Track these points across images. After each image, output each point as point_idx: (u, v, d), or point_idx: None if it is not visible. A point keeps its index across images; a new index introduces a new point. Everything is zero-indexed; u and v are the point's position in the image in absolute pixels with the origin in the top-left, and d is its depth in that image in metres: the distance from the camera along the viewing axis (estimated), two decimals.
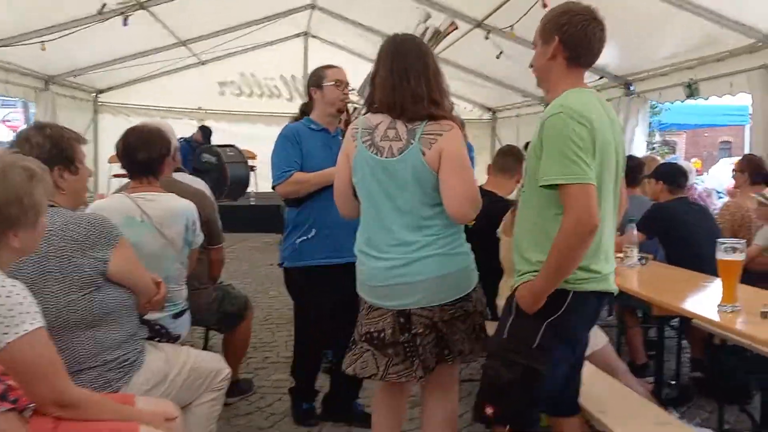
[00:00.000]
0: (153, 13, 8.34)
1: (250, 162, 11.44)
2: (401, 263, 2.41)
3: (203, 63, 12.04)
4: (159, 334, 2.60)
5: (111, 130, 10.99)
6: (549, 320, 2.20)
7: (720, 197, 10.06)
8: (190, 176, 3.92)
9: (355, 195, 2.55)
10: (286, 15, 10.57)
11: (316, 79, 3.38)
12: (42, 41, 7.64)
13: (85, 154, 2.44)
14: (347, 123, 3.46)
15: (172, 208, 2.95)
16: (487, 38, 8.03)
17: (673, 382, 3.97)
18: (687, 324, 3.56)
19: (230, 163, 10.66)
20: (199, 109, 12.44)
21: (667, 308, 3.15)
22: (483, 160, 6.77)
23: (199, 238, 3.13)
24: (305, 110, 3.49)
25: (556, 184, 2.08)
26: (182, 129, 10.40)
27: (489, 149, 12.01)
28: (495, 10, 7.56)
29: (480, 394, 2.37)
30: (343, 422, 3.51)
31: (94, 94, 11.82)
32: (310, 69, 12.64)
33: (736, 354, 3.51)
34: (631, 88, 8.03)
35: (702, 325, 2.88)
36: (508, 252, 3.28)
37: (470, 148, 3.87)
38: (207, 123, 11.84)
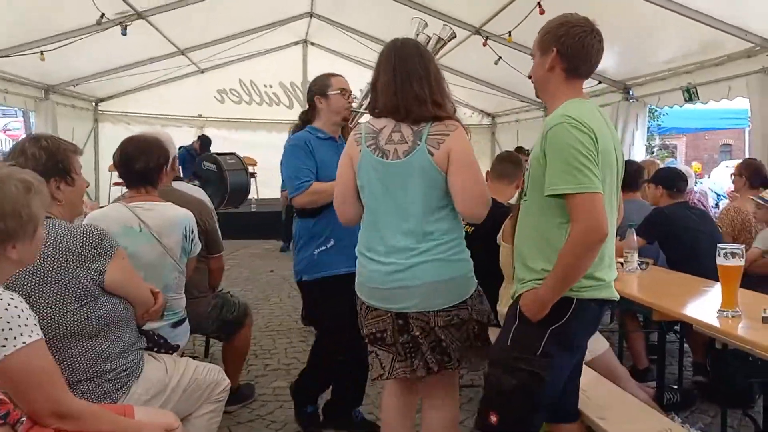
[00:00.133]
0: (151, 22, 8.37)
1: (251, 169, 11.46)
2: (401, 268, 2.42)
3: (202, 71, 12.09)
4: (158, 344, 2.59)
5: (111, 139, 11.00)
6: (553, 328, 2.20)
7: (720, 199, 10.08)
8: (189, 185, 3.92)
9: (358, 199, 2.56)
10: (284, 23, 10.61)
11: (320, 88, 3.34)
12: (41, 51, 7.67)
13: (81, 165, 2.44)
14: (345, 130, 3.46)
15: (170, 217, 2.95)
16: (485, 45, 8.05)
17: (675, 387, 3.95)
18: (688, 328, 3.55)
19: (230, 171, 10.67)
20: (199, 116, 12.48)
21: (668, 314, 3.14)
22: (483, 165, 6.76)
23: (197, 246, 3.13)
24: (307, 119, 3.44)
25: (563, 194, 2.08)
26: (182, 137, 10.44)
27: (489, 154, 12.04)
28: (493, 17, 7.59)
29: (483, 401, 2.38)
30: (344, 430, 3.49)
31: (94, 103, 11.85)
32: (310, 76, 12.66)
33: (738, 358, 3.50)
34: (630, 92, 8.04)
35: (703, 330, 2.87)
36: (507, 258, 3.28)
37: None
38: (207, 131, 11.88)
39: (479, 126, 12.95)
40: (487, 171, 4.24)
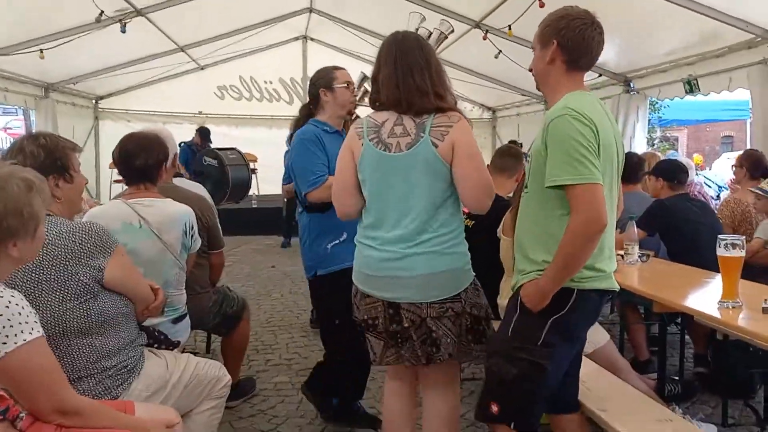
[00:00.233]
0: (151, 19, 8.38)
1: (251, 165, 11.47)
2: (397, 257, 2.43)
3: (202, 68, 12.10)
4: (158, 340, 2.59)
5: (112, 136, 10.99)
6: (553, 318, 2.22)
7: (721, 190, 10.08)
8: (190, 181, 3.93)
9: (358, 193, 2.56)
10: (283, 19, 10.61)
11: (326, 81, 3.30)
12: (41, 49, 7.67)
13: (80, 163, 2.44)
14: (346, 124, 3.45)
15: (170, 214, 2.96)
16: (485, 38, 8.03)
17: (677, 378, 3.95)
18: (689, 320, 3.55)
19: (231, 166, 10.68)
20: (200, 113, 12.50)
21: (669, 305, 3.13)
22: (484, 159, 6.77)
23: (197, 242, 3.13)
24: (309, 112, 3.39)
25: (563, 185, 2.09)
26: (183, 134, 10.43)
27: (490, 148, 12.03)
28: (492, 11, 7.58)
29: (484, 391, 2.39)
30: (345, 423, 3.50)
31: (94, 101, 11.87)
32: (310, 72, 12.65)
33: (739, 349, 3.51)
34: (631, 85, 8.02)
35: (704, 321, 2.87)
36: (507, 251, 3.28)
37: None
38: (207, 127, 11.87)
39: (480, 120, 12.94)
40: (488, 165, 4.24)
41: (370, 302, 2.54)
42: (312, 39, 12.61)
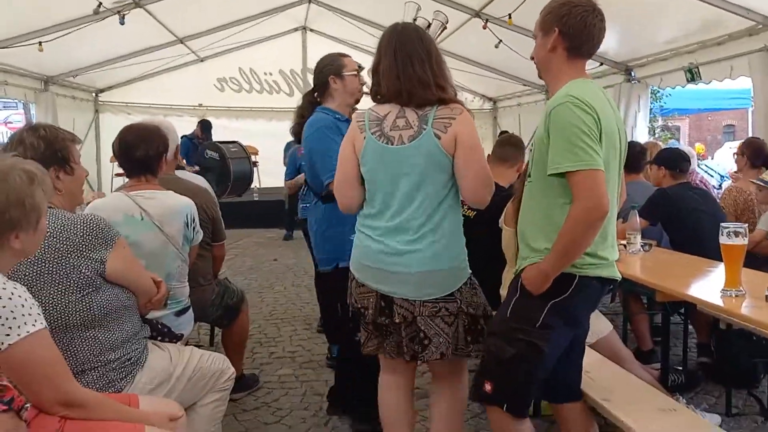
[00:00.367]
0: (149, 11, 8.34)
1: (253, 158, 11.45)
2: (394, 251, 2.43)
3: (202, 60, 12.05)
4: (161, 333, 2.59)
5: (112, 129, 10.90)
6: (554, 301, 2.23)
7: (723, 179, 10.05)
8: (192, 174, 3.92)
9: (361, 185, 2.56)
10: (283, 9, 10.55)
11: (335, 68, 3.25)
12: (39, 42, 7.64)
13: (80, 154, 2.43)
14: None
15: (172, 206, 2.95)
16: (485, 28, 7.99)
17: (680, 368, 3.95)
18: (692, 309, 3.55)
19: (233, 159, 10.66)
20: (200, 105, 12.45)
21: (671, 294, 3.13)
22: (485, 150, 6.75)
23: (199, 234, 3.13)
24: (315, 100, 3.32)
25: (565, 172, 2.09)
26: (183, 126, 10.41)
27: (491, 139, 11.99)
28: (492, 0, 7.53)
29: (480, 370, 2.39)
30: (348, 416, 3.50)
31: (94, 94, 11.83)
32: (309, 63, 12.60)
33: (742, 338, 3.50)
34: (632, 74, 7.99)
35: (707, 310, 2.87)
36: (509, 242, 3.27)
37: None
38: (207, 119, 11.84)
39: (481, 110, 12.90)
40: (488, 154, 4.23)
41: (364, 291, 2.55)
42: (311, 30, 12.55)
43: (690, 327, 4.32)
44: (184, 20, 9.50)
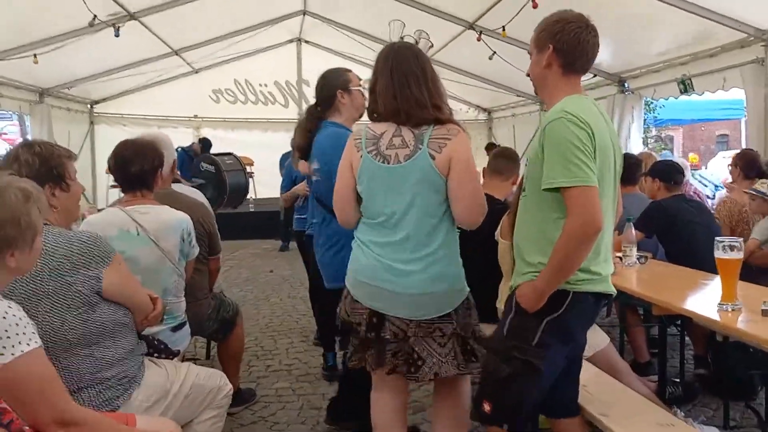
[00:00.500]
0: (144, 23, 8.35)
1: (248, 169, 11.45)
2: (391, 270, 2.43)
3: (197, 71, 12.06)
4: (158, 349, 2.58)
5: (107, 141, 10.94)
6: (548, 319, 2.23)
7: (717, 189, 10.10)
8: (189, 188, 3.91)
9: (358, 202, 2.57)
10: (278, 21, 10.59)
11: (342, 82, 3.24)
12: (34, 54, 7.64)
13: (76, 170, 2.43)
14: None
15: (167, 221, 2.95)
16: (479, 40, 8.03)
17: (677, 380, 3.95)
18: (688, 321, 3.55)
19: (228, 172, 10.67)
20: (195, 117, 12.47)
21: (668, 308, 3.13)
22: (481, 161, 6.77)
23: (195, 249, 3.12)
24: (320, 114, 3.28)
25: (559, 188, 2.11)
26: (179, 138, 10.42)
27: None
28: (486, 12, 7.58)
29: (479, 390, 2.40)
30: (348, 428, 3.46)
31: (89, 105, 11.83)
32: (304, 74, 12.59)
33: (739, 350, 3.50)
34: (626, 85, 8.03)
35: (704, 323, 2.88)
36: (505, 255, 3.27)
37: None
38: (203, 131, 11.90)
39: (476, 121, 12.96)
40: (484, 168, 4.23)
41: (357, 307, 2.55)
42: (306, 41, 12.59)
43: (687, 338, 4.32)
44: (179, 32, 9.51)
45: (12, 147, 2.44)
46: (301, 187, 5.01)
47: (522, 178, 2.56)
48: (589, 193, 2.08)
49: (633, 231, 3.96)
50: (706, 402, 3.85)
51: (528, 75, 2.42)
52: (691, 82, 6.62)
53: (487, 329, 2.74)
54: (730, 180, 5.80)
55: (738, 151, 5.79)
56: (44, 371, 1.80)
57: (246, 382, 4.20)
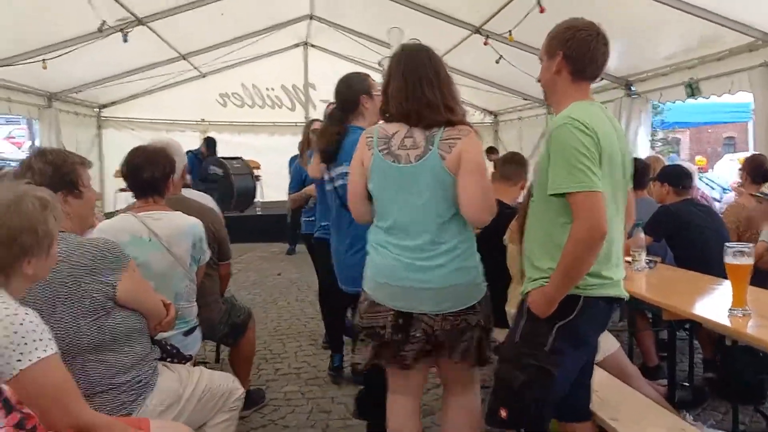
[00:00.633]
0: (152, 28, 8.39)
1: (255, 172, 11.48)
2: (412, 268, 2.44)
3: (204, 75, 12.10)
4: (171, 354, 2.61)
5: (115, 145, 11.09)
6: (560, 324, 2.24)
7: (725, 192, 10.08)
8: (199, 193, 3.93)
9: (369, 199, 2.59)
10: (284, 26, 10.63)
11: (366, 87, 3.26)
12: (43, 59, 7.70)
13: (90, 177, 2.45)
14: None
15: (179, 226, 2.97)
16: (486, 44, 8.05)
17: (687, 384, 3.95)
18: (697, 325, 3.55)
19: (237, 176, 10.71)
20: (202, 121, 12.50)
21: (678, 313, 3.13)
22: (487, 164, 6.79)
23: (206, 254, 3.14)
24: (344, 119, 3.26)
25: (565, 193, 2.12)
26: (186, 141, 10.40)
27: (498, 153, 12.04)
28: (493, 16, 7.59)
29: (493, 397, 2.40)
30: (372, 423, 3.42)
31: (97, 110, 11.88)
32: (311, 78, 12.61)
33: (748, 353, 3.50)
34: (632, 88, 8.02)
35: (714, 328, 2.88)
36: (514, 259, 3.29)
37: None
38: (210, 134, 11.90)
39: (482, 124, 12.96)
40: (492, 173, 4.24)
41: (380, 310, 2.53)
42: (313, 45, 12.63)
43: (695, 342, 4.32)
44: (186, 37, 9.56)
45: (24, 153, 2.47)
46: (312, 189, 5.01)
47: (531, 183, 2.57)
48: (594, 198, 2.09)
49: (642, 235, 3.96)
50: (715, 406, 3.85)
51: (538, 80, 2.44)
52: (698, 85, 6.61)
53: (497, 334, 2.75)
54: (739, 182, 5.79)
55: (745, 154, 5.77)
56: (60, 377, 1.83)
57: (255, 385, 4.22)
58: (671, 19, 5.98)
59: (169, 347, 2.61)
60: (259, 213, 11.62)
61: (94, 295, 2.18)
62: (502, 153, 9.50)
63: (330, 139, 3.24)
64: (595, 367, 2.75)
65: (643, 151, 7.93)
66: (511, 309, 3.25)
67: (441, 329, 2.45)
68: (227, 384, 2.62)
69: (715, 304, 3.04)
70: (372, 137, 2.54)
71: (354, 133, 3.18)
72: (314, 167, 3.89)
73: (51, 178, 2.29)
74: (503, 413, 2.30)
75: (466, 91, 10.14)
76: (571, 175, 2.10)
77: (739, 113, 13.99)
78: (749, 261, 2.64)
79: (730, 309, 2.73)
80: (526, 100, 10.67)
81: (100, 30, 7.40)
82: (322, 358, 4.85)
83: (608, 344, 3.36)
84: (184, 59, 10.59)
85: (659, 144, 19.38)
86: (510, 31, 7.21)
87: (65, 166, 2.36)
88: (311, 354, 5.03)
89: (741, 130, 24.91)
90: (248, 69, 12.35)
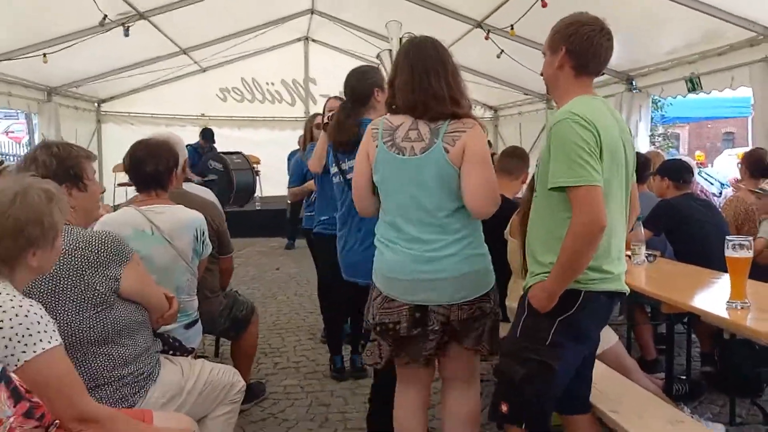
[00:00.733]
0: (153, 23, 8.40)
1: (255, 167, 11.48)
2: (422, 259, 2.45)
3: (204, 70, 12.10)
4: (173, 347, 2.62)
5: (115, 139, 11.10)
6: (561, 318, 2.25)
7: (723, 187, 10.09)
8: (200, 187, 3.94)
9: (374, 192, 2.60)
10: (285, 20, 10.62)
11: (380, 81, 3.27)
12: (44, 53, 7.70)
13: (95, 171, 2.46)
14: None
15: (181, 220, 2.98)
16: (487, 39, 8.04)
17: (684, 378, 3.97)
18: (695, 319, 3.57)
19: (236, 170, 10.71)
20: (202, 115, 12.51)
21: (677, 306, 3.15)
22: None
23: (208, 248, 3.15)
24: (356, 112, 3.25)
25: (565, 187, 2.13)
26: (186, 136, 10.38)
27: (493, 148, 12.04)
28: (494, 11, 7.59)
29: (495, 392, 2.42)
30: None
31: (97, 104, 11.88)
32: (311, 73, 12.58)
33: (745, 347, 3.53)
34: (633, 83, 8.03)
35: (713, 321, 2.89)
36: (515, 253, 3.30)
37: None
38: (210, 128, 11.90)
39: (482, 119, 12.91)
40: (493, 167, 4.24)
41: (393, 306, 2.52)
42: (314, 40, 12.62)
43: (693, 336, 4.34)
44: (187, 31, 9.57)
45: (31, 149, 2.48)
46: (313, 184, 5.01)
47: (532, 178, 2.59)
48: (594, 193, 2.10)
49: (642, 229, 3.97)
50: (712, 399, 3.87)
51: (542, 74, 2.45)
52: (699, 80, 6.62)
53: (501, 327, 2.76)
54: (739, 177, 5.80)
55: (745, 149, 5.79)
56: (64, 369, 1.84)
57: (255, 379, 4.23)
58: (673, 13, 5.99)
59: (171, 340, 2.63)
60: (258, 208, 11.64)
61: (98, 287, 2.19)
62: (500, 148, 9.51)
63: (349, 132, 3.22)
64: (595, 359, 2.76)
65: (642, 147, 7.95)
66: (511, 303, 3.26)
67: (457, 319, 2.47)
68: (229, 377, 2.63)
69: (714, 297, 3.05)
70: (377, 129, 2.54)
71: (367, 125, 3.18)
72: (314, 161, 3.90)
73: (55, 170, 2.30)
74: (504, 408, 2.32)
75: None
76: (570, 169, 2.11)
77: (740, 108, 14.01)
78: (748, 254, 2.65)
79: (728, 301, 2.75)
80: (526, 95, 10.67)
81: (101, 24, 7.39)
82: (320, 353, 4.86)
83: (607, 337, 3.38)
84: (185, 54, 10.60)
85: (659, 139, 19.40)
86: (512, 25, 7.22)
87: (70, 159, 2.38)
88: (310, 348, 5.05)
89: (740, 126, 24.88)
90: (248, 64, 12.34)
